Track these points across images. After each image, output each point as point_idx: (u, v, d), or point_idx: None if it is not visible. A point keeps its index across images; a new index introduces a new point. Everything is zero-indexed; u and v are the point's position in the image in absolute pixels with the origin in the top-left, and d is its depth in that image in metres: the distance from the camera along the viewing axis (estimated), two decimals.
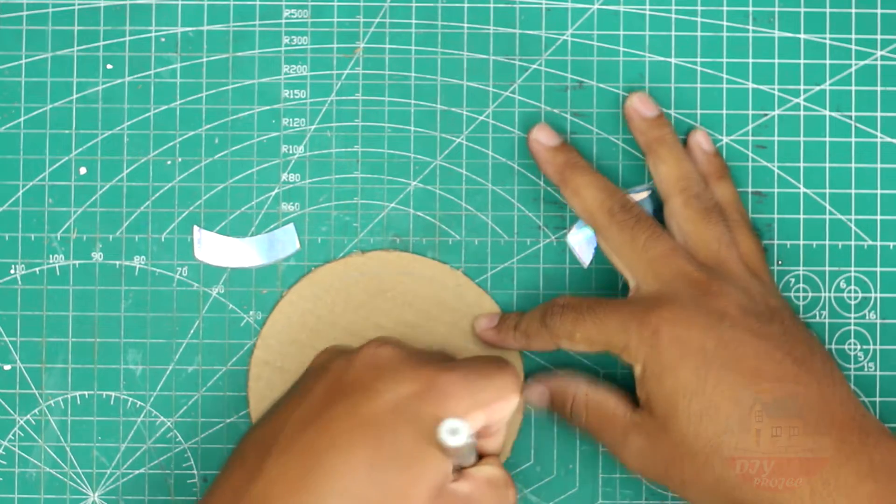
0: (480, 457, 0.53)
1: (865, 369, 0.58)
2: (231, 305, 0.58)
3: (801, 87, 0.58)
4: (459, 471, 0.51)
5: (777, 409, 0.51)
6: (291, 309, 0.58)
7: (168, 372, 0.58)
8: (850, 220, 0.58)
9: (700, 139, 0.58)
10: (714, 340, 0.52)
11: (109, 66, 0.58)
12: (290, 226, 0.58)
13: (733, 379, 0.51)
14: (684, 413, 0.52)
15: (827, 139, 0.58)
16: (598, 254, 0.58)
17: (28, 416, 0.58)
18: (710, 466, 0.51)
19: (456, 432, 0.45)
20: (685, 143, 0.58)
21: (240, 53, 0.58)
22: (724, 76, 0.58)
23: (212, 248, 0.58)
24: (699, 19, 0.58)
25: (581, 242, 0.58)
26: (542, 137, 0.57)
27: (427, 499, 0.49)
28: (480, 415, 0.51)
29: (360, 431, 0.49)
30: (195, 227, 0.58)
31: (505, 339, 0.56)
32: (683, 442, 0.52)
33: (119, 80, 0.58)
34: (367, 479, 0.48)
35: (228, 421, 0.58)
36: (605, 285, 0.58)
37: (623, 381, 0.56)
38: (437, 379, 0.50)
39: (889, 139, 0.58)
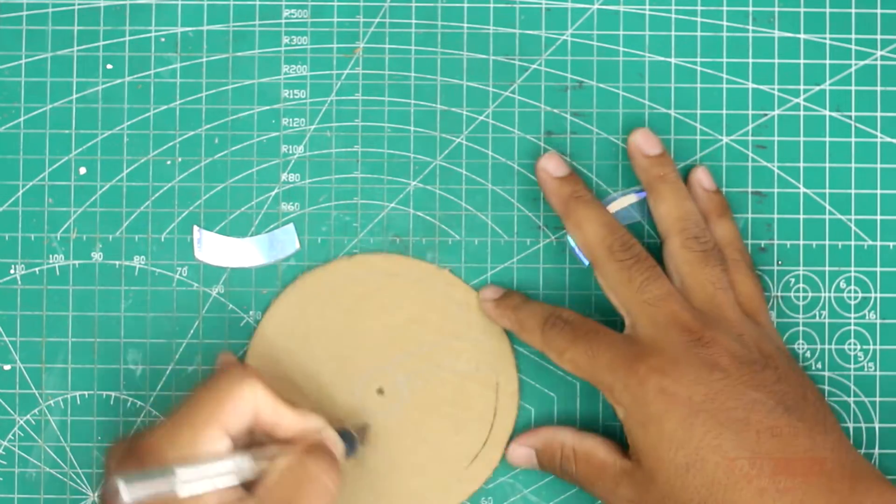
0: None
1: (865, 369, 0.58)
2: (231, 305, 0.58)
3: (801, 87, 0.58)
4: (249, 488, 0.50)
5: (765, 460, 0.51)
6: (285, 313, 0.57)
7: (168, 372, 0.58)
8: (850, 220, 0.58)
9: (700, 176, 0.57)
10: (703, 393, 0.51)
11: (109, 66, 0.58)
12: (290, 226, 0.58)
13: (720, 430, 0.51)
14: (670, 464, 0.51)
15: (827, 139, 0.58)
16: None
17: (28, 416, 0.58)
18: None
19: (117, 493, 0.43)
20: (685, 179, 0.57)
21: (240, 53, 0.58)
22: (724, 76, 0.58)
23: (212, 248, 0.58)
24: (699, 19, 0.58)
25: None
26: (550, 167, 0.57)
27: None
28: (212, 432, 0.49)
29: None
30: (195, 227, 0.58)
31: (501, 317, 0.56)
32: (671, 493, 0.51)
33: (119, 80, 0.58)
34: None
35: None
36: None
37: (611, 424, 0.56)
38: (133, 448, 0.48)
39: (889, 139, 0.58)
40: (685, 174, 0.58)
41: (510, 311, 0.56)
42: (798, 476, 0.50)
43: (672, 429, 0.51)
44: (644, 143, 0.57)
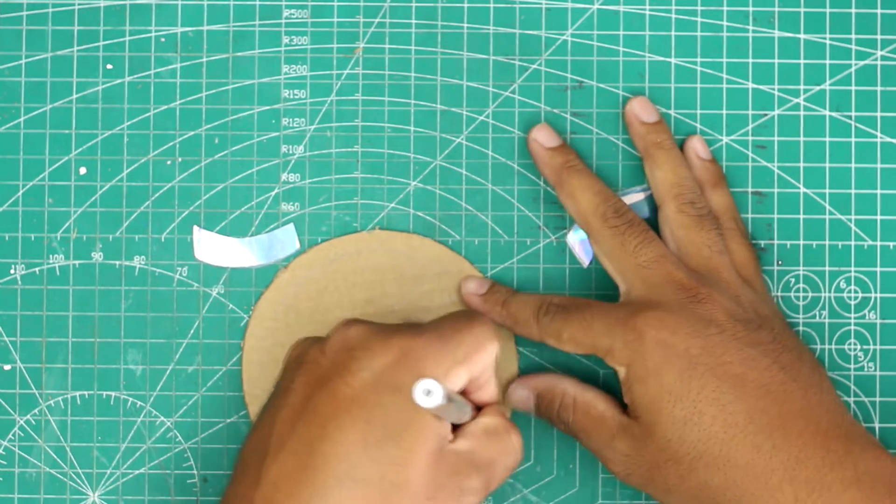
0: (481, 408, 0.53)
1: (865, 369, 0.58)
2: (231, 305, 0.58)
3: (801, 87, 0.58)
4: (457, 428, 0.51)
5: (761, 415, 0.51)
6: (304, 273, 0.58)
7: (168, 372, 0.58)
8: (850, 220, 0.58)
9: (696, 145, 0.58)
10: (699, 346, 0.52)
11: (109, 66, 0.58)
12: (290, 226, 0.58)
13: (717, 384, 0.51)
14: (668, 418, 0.51)
15: (827, 139, 0.58)
16: None
17: (28, 416, 0.58)
18: (695, 472, 0.51)
19: (430, 392, 0.44)
20: (682, 147, 0.58)
21: (240, 53, 0.58)
22: (724, 76, 0.58)
23: (212, 248, 0.58)
24: (699, 19, 0.58)
25: (581, 242, 0.58)
26: (542, 138, 0.57)
27: (426, 465, 0.49)
28: (462, 371, 0.51)
29: (347, 414, 0.49)
30: (195, 227, 0.58)
31: (489, 313, 0.56)
32: (668, 447, 0.52)
33: (119, 80, 0.58)
34: (363, 458, 0.48)
35: (228, 421, 0.58)
36: (604, 285, 0.58)
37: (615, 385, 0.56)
38: (409, 345, 0.50)
39: (889, 139, 0.58)
40: (681, 144, 0.58)
41: (499, 306, 0.56)
42: (794, 433, 0.51)
43: (671, 382, 0.51)
44: (641, 110, 0.57)
